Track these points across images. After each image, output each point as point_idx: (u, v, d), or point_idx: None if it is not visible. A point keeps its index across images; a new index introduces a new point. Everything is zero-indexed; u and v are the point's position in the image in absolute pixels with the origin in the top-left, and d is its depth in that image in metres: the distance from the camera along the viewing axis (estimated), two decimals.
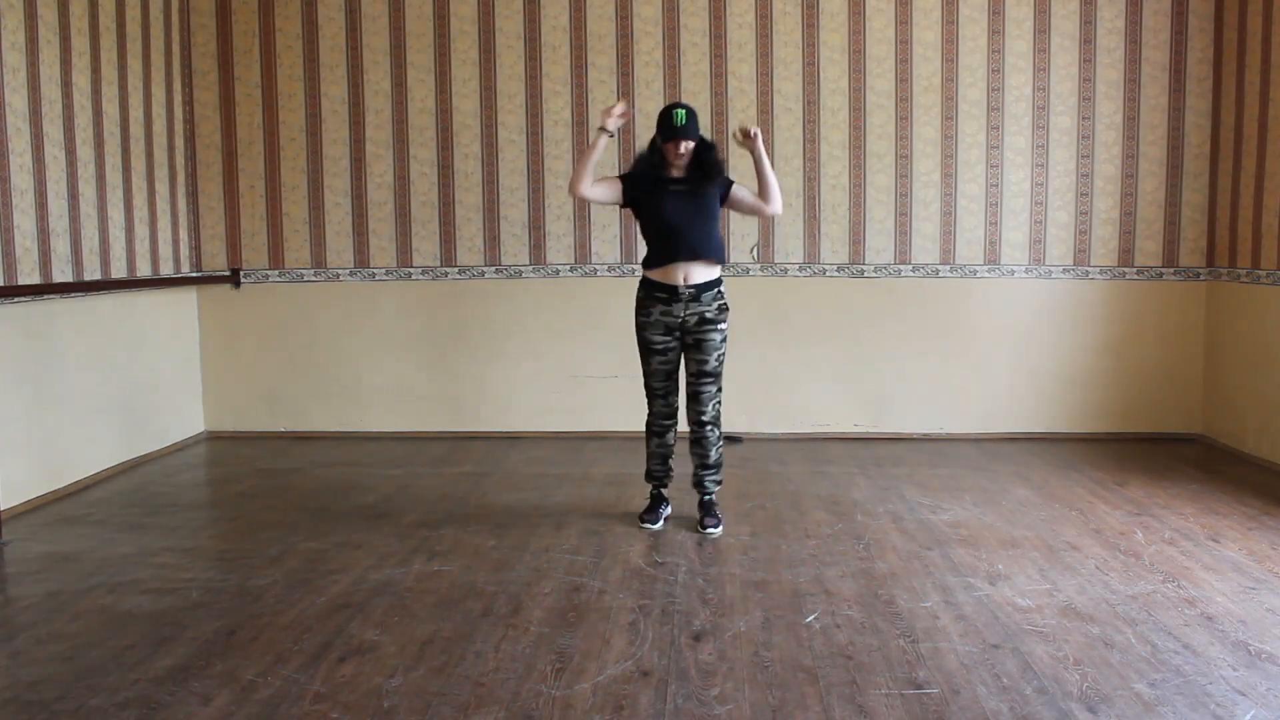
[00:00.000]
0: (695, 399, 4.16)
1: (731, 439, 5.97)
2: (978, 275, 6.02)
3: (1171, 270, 5.98)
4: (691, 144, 3.98)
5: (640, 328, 4.15)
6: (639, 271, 5.98)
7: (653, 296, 4.10)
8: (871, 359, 6.07)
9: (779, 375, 6.09)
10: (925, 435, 6.09)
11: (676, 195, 4.03)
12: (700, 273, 4.05)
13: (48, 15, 4.78)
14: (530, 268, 6.13)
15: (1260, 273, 5.43)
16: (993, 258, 6.01)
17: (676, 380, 4.22)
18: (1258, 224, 5.47)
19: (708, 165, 4.04)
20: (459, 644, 3.05)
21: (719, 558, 3.86)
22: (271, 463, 5.58)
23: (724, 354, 4.15)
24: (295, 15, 6.06)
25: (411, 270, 6.16)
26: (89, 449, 5.10)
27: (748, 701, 2.66)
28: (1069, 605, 3.34)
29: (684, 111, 3.95)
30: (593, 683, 2.78)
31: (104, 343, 5.22)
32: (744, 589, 3.51)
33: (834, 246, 6.03)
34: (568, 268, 6.11)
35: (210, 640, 3.09)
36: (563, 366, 6.15)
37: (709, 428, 4.18)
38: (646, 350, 4.16)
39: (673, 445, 4.31)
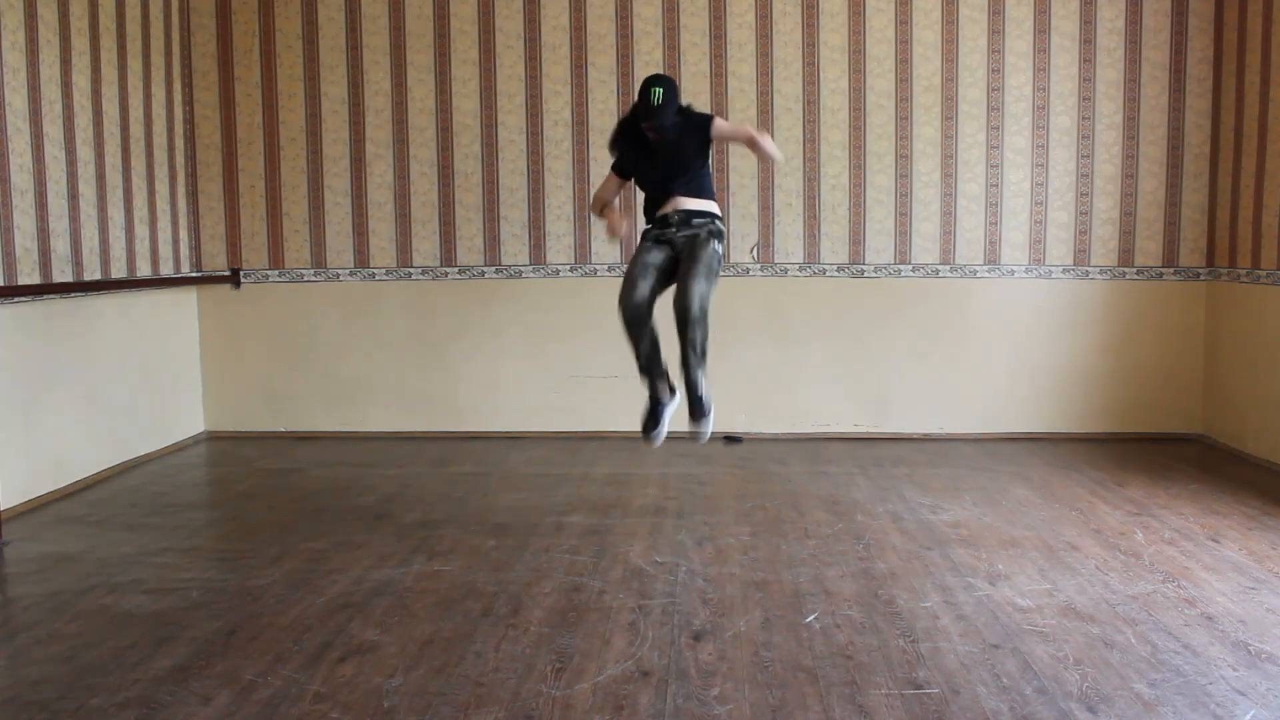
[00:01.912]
0: (684, 293, 3.84)
1: (731, 439, 5.97)
2: (978, 275, 6.02)
3: (1171, 270, 5.98)
4: (664, 126, 3.94)
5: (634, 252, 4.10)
6: None
7: (648, 231, 4.10)
8: (871, 359, 6.07)
9: (779, 375, 6.09)
10: (925, 435, 6.09)
11: (658, 156, 4.04)
12: (688, 202, 4.04)
13: (48, 15, 4.78)
14: (530, 268, 6.13)
15: (1260, 273, 5.43)
16: (993, 258, 6.01)
17: (656, 285, 4.02)
18: (1258, 224, 5.47)
19: (687, 124, 3.98)
20: (459, 644, 3.05)
21: (719, 558, 3.86)
22: (271, 463, 5.58)
23: (716, 270, 3.98)
24: (295, 15, 6.06)
25: (411, 270, 6.16)
26: (89, 449, 5.10)
27: (748, 701, 2.66)
28: (1069, 605, 3.34)
29: (661, 91, 3.88)
30: (593, 683, 2.78)
31: (104, 343, 5.22)
32: (744, 589, 3.51)
33: (834, 246, 6.03)
34: (568, 268, 6.11)
35: (210, 640, 3.09)
36: (563, 366, 6.15)
37: (695, 323, 3.84)
38: (633, 256, 4.06)
39: (657, 334, 4.04)
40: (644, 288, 3.99)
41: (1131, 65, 5.89)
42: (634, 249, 4.17)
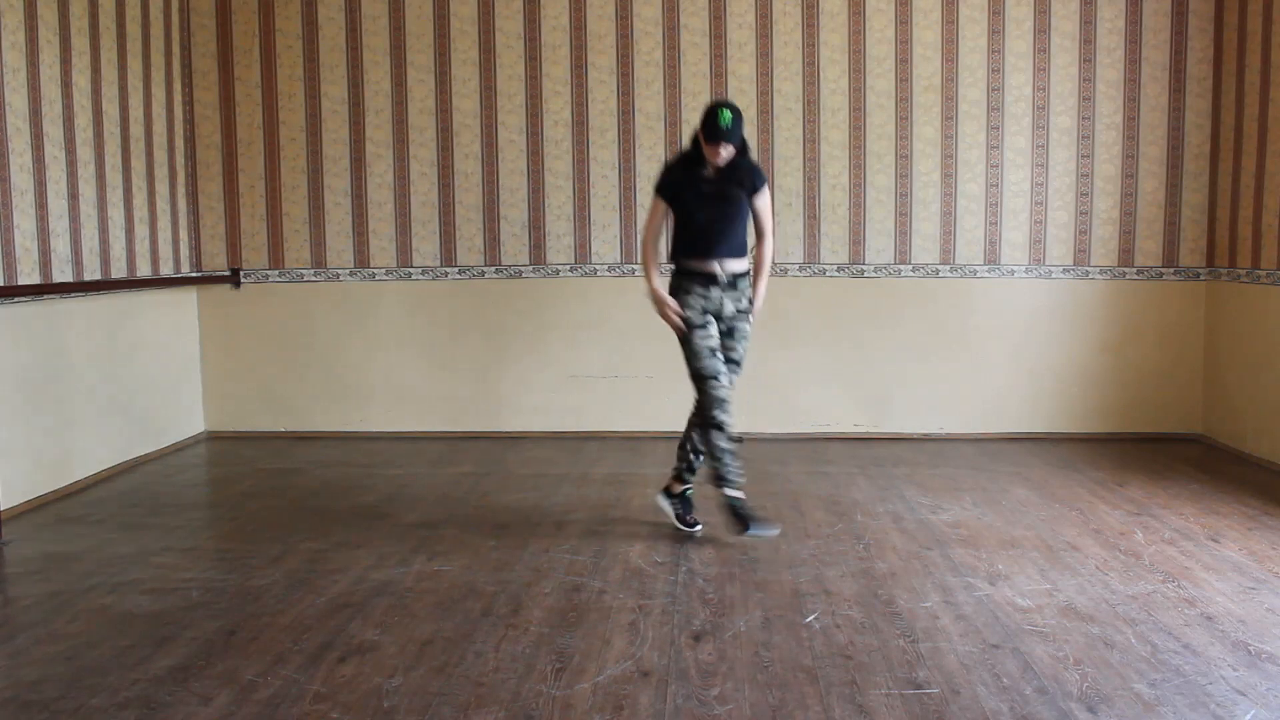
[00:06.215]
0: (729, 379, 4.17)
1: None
2: (978, 275, 6.02)
3: (1171, 270, 5.98)
4: (732, 149, 3.87)
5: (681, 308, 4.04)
6: (638, 271, 6.02)
7: (690, 283, 4.02)
8: (871, 359, 6.07)
9: (779, 375, 6.08)
10: (925, 435, 6.09)
11: (709, 198, 3.98)
12: (733, 264, 4.03)
13: (48, 15, 4.78)
14: (530, 268, 6.13)
15: (1260, 273, 5.43)
16: (993, 258, 6.01)
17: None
18: (1258, 224, 5.47)
19: (741, 172, 3.98)
20: (459, 644, 3.05)
21: (719, 558, 3.86)
22: (271, 463, 5.58)
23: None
24: (295, 15, 6.06)
25: (411, 270, 6.16)
26: (89, 449, 5.10)
27: (748, 701, 2.66)
28: (1069, 605, 3.34)
29: (730, 114, 3.82)
30: (593, 683, 2.78)
31: (104, 343, 5.22)
32: (744, 589, 3.51)
33: (834, 246, 6.03)
34: (568, 268, 6.11)
35: (210, 640, 3.09)
36: (563, 366, 6.15)
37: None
38: (690, 328, 4.01)
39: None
40: (725, 379, 4.12)
41: (1131, 65, 5.89)
42: (683, 306, 4.02)
